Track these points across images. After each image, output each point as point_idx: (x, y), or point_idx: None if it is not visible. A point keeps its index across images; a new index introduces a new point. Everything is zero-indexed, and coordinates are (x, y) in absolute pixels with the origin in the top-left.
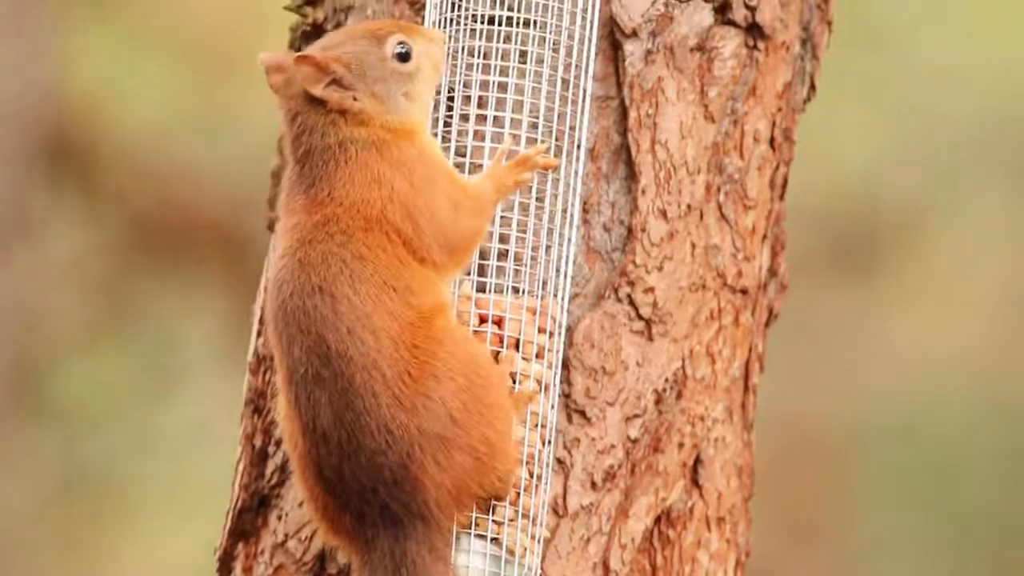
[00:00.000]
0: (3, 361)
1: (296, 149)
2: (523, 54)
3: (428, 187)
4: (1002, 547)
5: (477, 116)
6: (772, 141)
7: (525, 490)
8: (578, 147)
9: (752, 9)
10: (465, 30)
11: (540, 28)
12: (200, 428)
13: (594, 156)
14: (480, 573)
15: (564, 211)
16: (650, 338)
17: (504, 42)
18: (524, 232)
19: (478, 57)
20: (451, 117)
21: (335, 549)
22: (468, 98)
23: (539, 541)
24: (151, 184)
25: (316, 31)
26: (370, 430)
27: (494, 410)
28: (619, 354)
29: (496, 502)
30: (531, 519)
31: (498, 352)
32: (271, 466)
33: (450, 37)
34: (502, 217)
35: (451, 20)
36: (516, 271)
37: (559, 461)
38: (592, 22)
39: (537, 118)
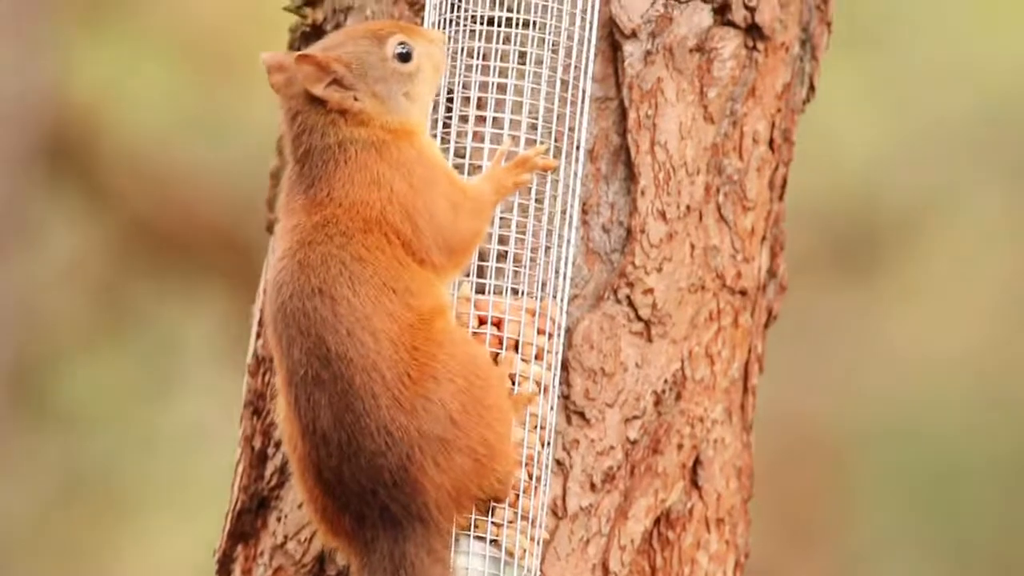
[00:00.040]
0: (2, 362)
1: (296, 149)
2: (522, 55)
3: (427, 188)
4: (1002, 547)
5: (476, 117)
6: (771, 142)
7: (524, 492)
8: (577, 148)
9: (751, 10)
10: (464, 31)
11: (539, 29)
12: (200, 429)
13: (593, 157)
14: (479, 575)
15: (563, 212)
16: (649, 339)
17: (503, 43)
18: (523, 233)
19: (477, 58)
20: (450, 118)
21: (334, 551)
22: (467, 99)
23: (538, 543)
24: (151, 185)
25: (315, 32)
26: (370, 432)
27: (493, 412)
28: (618, 355)
29: (495, 504)
30: (530, 521)
31: (497, 354)
32: (270, 468)
33: (449, 38)
34: (501, 218)
35: (450, 21)
36: (515, 272)
37: (558, 463)
38: (591, 23)
39: (536, 119)
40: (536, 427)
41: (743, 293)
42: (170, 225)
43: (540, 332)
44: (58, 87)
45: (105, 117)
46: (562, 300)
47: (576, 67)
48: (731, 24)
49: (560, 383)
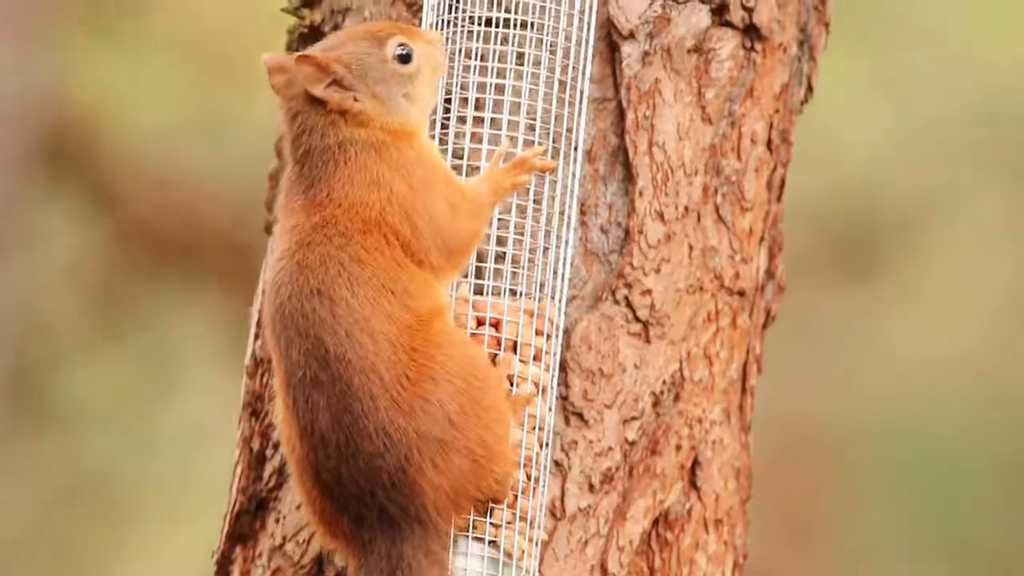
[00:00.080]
0: (2, 363)
1: (296, 150)
2: (520, 56)
3: (427, 189)
4: (1002, 548)
5: (474, 118)
6: (769, 143)
7: (523, 493)
8: (575, 149)
9: (749, 10)
10: (462, 32)
11: (537, 30)
12: (199, 430)
13: (591, 158)
14: (478, 575)
15: (561, 213)
16: (647, 340)
17: (501, 44)
18: (521, 234)
19: (475, 59)
20: (448, 119)
21: (332, 552)
22: (465, 100)
23: (537, 544)
24: (151, 186)
25: (313, 33)
26: (368, 433)
27: (492, 413)
28: (616, 356)
29: (494, 505)
30: (529, 522)
31: (495, 355)
32: (269, 469)
33: (447, 39)
34: (499, 219)
35: (448, 22)
36: (513, 273)
37: (556, 463)
38: (589, 24)
39: (534, 120)
40: (534, 428)
41: (741, 294)
42: (170, 226)
43: (538, 333)
44: (58, 87)
45: (105, 118)
46: (560, 301)
47: (574, 68)
48: (729, 25)
49: (558, 384)
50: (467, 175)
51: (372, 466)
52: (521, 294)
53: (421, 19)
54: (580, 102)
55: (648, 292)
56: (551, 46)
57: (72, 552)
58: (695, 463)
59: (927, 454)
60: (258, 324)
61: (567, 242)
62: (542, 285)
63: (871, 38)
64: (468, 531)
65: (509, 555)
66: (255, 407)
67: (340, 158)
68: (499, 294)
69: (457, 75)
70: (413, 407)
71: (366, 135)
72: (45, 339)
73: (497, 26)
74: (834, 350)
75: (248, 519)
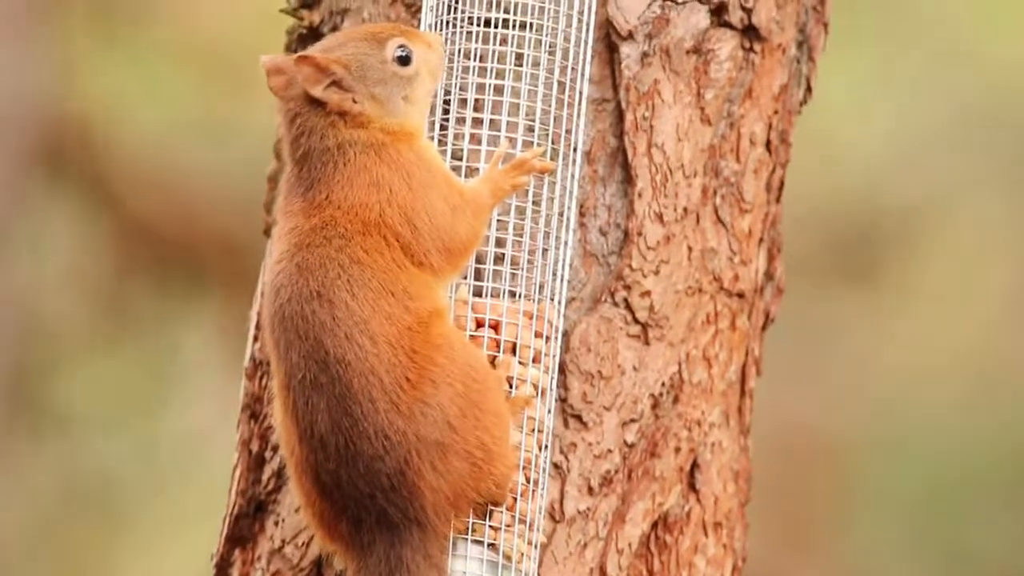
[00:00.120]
0: (1, 365)
1: (295, 151)
2: (519, 57)
3: (426, 191)
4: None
5: (473, 119)
6: (768, 144)
7: (522, 495)
8: (574, 150)
9: (748, 11)
10: (461, 33)
11: (536, 31)
12: (199, 433)
13: (590, 159)
14: None
15: (560, 215)
16: (646, 342)
17: (500, 45)
18: (520, 236)
19: (474, 60)
20: (447, 120)
21: (332, 555)
22: (464, 101)
23: (536, 546)
24: (151, 188)
25: (312, 34)
26: (368, 436)
27: (491, 416)
28: (615, 358)
29: (493, 507)
30: (528, 524)
31: (495, 357)
32: (268, 471)
33: (446, 40)
34: (498, 221)
35: (447, 23)
36: (513, 275)
37: (556, 466)
38: (588, 25)
39: (533, 121)
40: (533, 430)
41: (740, 296)
42: (170, 228)
43: (537, 335)
44: (58, 87)
45: (105, 118)
46: (559, 303)
47: (573, 69)
48: (728, 25)
49: (557, 386)
50: (466, 176)
51: (371, 469)
52: (520, 296)
53: (420, 20)
54: (579, 103)
55: (647, 294)
56: (550, 47)
57: (71, 554)
58: (694, 466)
59: (927, 456)
60: (257, 326)
61: (566, 243)
62: (541, 287)
63: (870, 39)
64: (467, 534)
65: (508, 558)
66: (254, 409)
67: (339, 160)
68: (498, 296)
69: (456, 76)
70: (413, 410)
71: (365, 136)
72: (44, 342)
73: (496, 27)
74: (834, 352)
75: (247, 522)
